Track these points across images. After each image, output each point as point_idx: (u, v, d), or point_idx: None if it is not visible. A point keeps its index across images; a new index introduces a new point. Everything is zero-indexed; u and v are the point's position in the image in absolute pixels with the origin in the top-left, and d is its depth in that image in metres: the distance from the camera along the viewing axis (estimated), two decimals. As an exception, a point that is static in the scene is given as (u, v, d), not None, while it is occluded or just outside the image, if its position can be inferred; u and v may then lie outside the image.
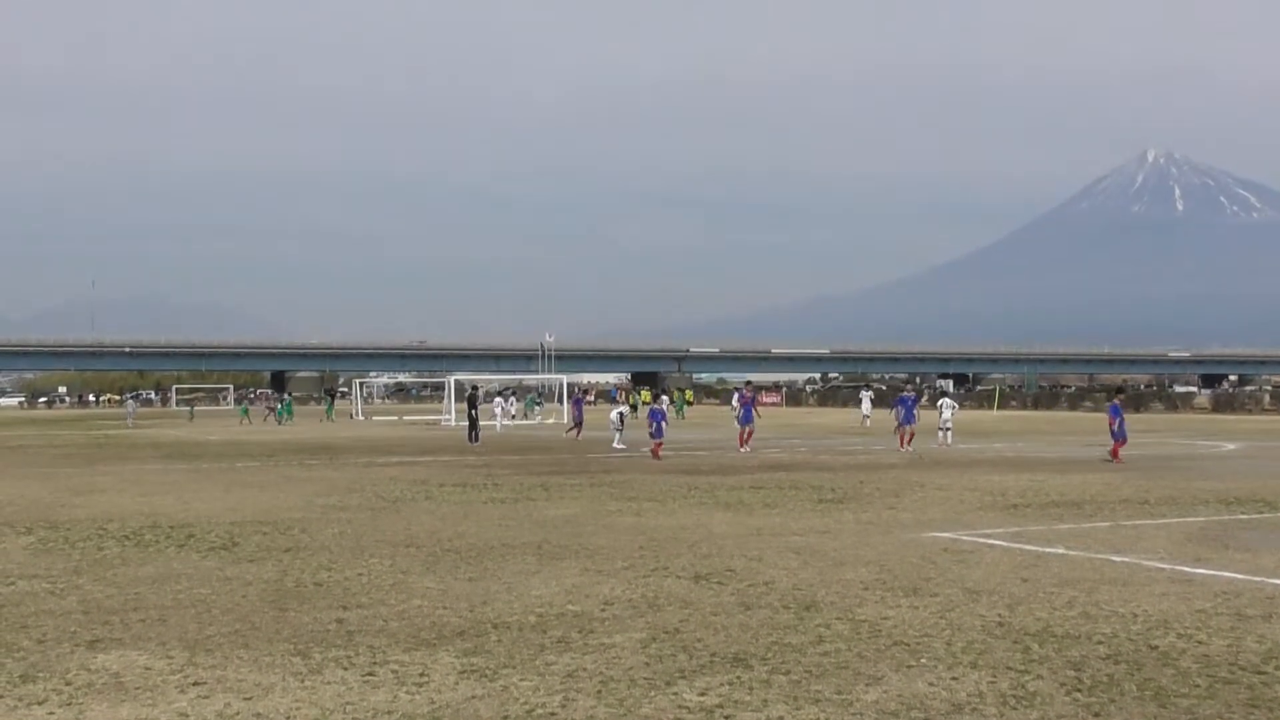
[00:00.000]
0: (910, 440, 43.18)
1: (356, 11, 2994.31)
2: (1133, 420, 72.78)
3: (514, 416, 77.66)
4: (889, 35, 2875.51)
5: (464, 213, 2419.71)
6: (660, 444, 40.51)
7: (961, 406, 64.74)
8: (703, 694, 10.04)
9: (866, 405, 70.03)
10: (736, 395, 47.82)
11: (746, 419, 44.79)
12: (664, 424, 41.71)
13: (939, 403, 51.94)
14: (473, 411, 54.28)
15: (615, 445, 45.91)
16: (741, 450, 42.66)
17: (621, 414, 48.87)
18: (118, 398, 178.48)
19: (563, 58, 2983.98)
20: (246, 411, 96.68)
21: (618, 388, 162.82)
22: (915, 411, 44.77)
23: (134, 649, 11.89)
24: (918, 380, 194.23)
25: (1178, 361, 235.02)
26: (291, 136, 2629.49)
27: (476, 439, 51.90)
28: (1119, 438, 37.21)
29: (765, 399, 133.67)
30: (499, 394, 79.81)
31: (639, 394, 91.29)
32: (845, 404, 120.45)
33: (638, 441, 46.76)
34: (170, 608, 14.00)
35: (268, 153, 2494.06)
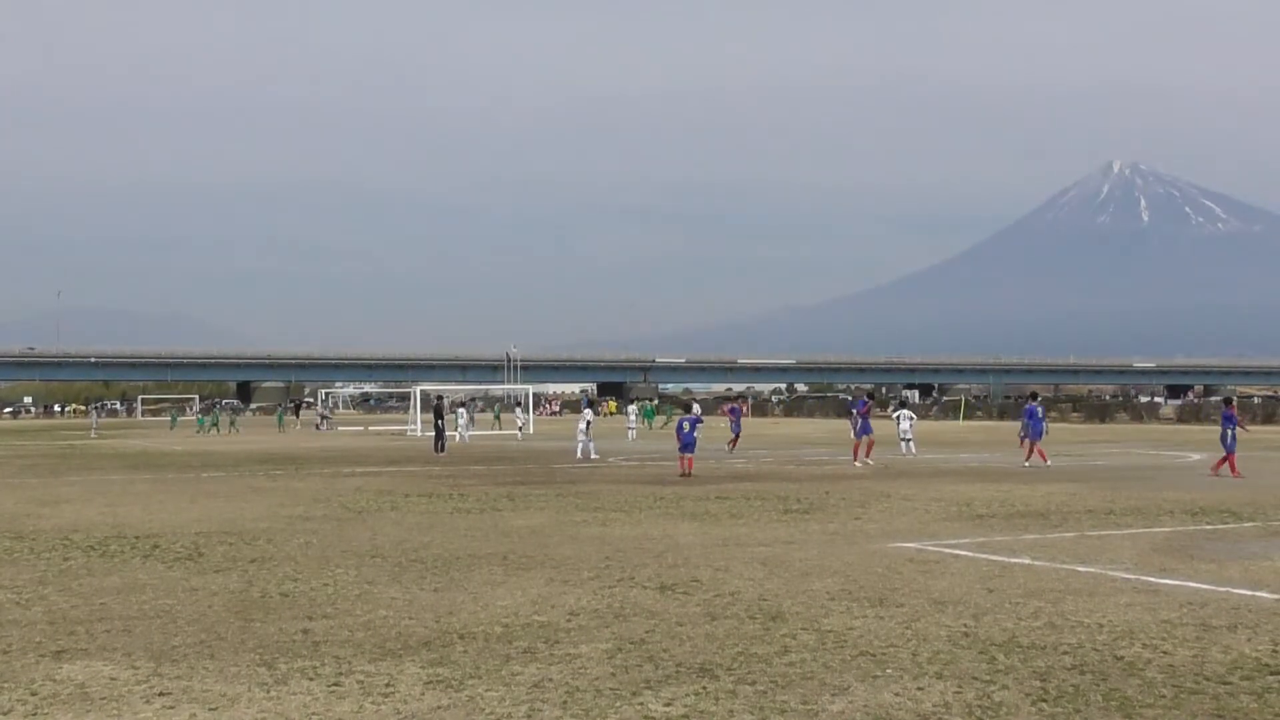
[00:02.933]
0: (1032, 455, 40.28)
1: (325, 23, 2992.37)
2: (1096, 431, 73.09)
3: (520, 428, 76.52)
4: (855, 49, 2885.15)
5: (431, 224, 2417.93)
6: (690, 458, 36.63)
7: (928, 416, 64.71)
8: (668, 704, 10.04)
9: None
10: (859, 404, 44.77)
11: (865, 430, 41.98)
12: (696, 435, 37.32)
13: (896, 414, 52.00)
14: (439, 422, 54.20)
15: (578, 456, 45.79)
16: (857, 464, 40.43)
17: (589, 423, 48.37)
18: (83, 408, 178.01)
19: (530, 72, 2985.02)
20: (204, 422, 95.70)
21: (590, 399, 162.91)
22: (1045, 424, 42.62)
23: (99, 659, 11.85)
24: (883, 390, 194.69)
25: (1143, 372, 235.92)
26: (259, 148, 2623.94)
27: (443, 449, 51.83)
28: (1231, 449, 35.17)
29: (730, 409, 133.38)
30: (461, 405, 79.61)
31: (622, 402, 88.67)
32: (811, 414, 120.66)
33: (604, 452, 46.82)
34: (135, 618, 13.95)
35: (234, 164, 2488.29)
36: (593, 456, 45.46)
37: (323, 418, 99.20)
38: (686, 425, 37.12)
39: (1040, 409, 42.39)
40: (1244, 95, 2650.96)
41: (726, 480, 34.34)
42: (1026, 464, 39.49)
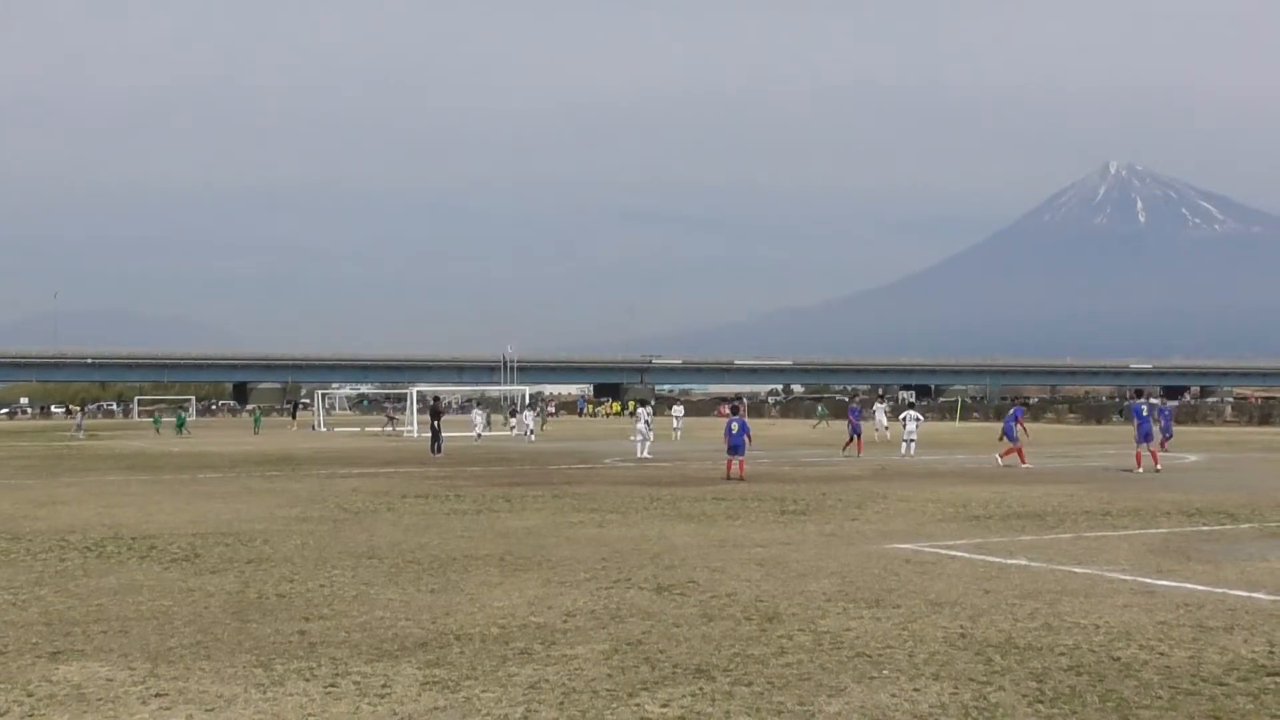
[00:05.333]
0: (1154, 459, 37.38)
1: (323, 23, 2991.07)
2: (1095, 432, 73.03)
3: (535, 428, 75.98)
4: (852, 52, 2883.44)
5: (430, 225, 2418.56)
6: (742, 461, 35.47)
7: (927, 417, 64.66)
8: (665, 705, 10.04)
9: (882, 417, 68.81)
10: (1017, 412, 43.15)
11: (1010, 434, 41.04)
12: (747, 438, 36.06)
13: (902, 415, 51.82)
14: (435, 423, 54.10)
15: (640, 455, 45.52)
16: (1026, 465, 39.60)
17: (647, 422, 47.71)
18: (78, 408, 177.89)
19: (531, 72, 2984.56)
20: (159, 422, 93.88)
21: (585, 399, 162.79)
22: (1154, 426, 38.09)
23: (96, 660, 11.85)
24: (881, 390, 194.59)
25: (1140, 373, 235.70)
26: (257, 149, 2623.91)
27: (439, 450, 51.75)
28: None
29: (727, 411, 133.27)
30: (477, 405, 79.42)
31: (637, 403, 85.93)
32: (808, 416, 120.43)
33: (603, 453, 46.70)
34: (132, 619, 13.95)
35: (233, 165, 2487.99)
36: (646, 456, 45.11)
37: (390, 420, 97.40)
38: (735, 427, 35.89)
39: (1145, 406, 38.96)
40: (1242, 96, 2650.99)
41: (723, 481, 34.31)
42: (1158, 469, 36.69)
